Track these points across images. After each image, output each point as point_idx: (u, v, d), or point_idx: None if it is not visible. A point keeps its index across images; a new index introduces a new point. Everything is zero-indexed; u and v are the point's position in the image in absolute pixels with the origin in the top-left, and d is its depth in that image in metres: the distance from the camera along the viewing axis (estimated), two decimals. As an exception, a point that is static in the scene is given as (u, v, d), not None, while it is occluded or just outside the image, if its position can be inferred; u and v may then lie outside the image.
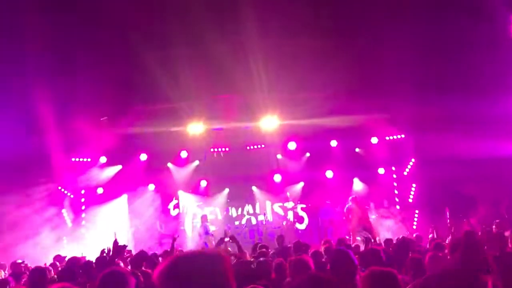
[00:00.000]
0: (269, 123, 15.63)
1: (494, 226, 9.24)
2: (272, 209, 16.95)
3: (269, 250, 9.04)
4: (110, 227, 14.54)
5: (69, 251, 11.90)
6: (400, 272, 5.20)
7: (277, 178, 16.79)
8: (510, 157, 12.80)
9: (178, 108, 14.74)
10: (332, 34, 12.39)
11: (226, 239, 9.02)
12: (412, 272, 5.16)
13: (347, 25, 12.61)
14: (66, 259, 9.33)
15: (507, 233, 7.99)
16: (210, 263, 1.94)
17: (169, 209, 16.83)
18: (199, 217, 15.75)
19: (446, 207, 13.21)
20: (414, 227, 14.64)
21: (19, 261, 8.91)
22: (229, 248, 9.78)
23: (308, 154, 16.59)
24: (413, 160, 15.58)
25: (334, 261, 4.44)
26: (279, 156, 16.85)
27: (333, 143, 16.22)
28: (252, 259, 7.84)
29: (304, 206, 16.81)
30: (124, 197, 16.35)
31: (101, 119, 14.85)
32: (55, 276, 6.91)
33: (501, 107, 12.36)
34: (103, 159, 16.20)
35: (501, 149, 12.68)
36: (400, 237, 8.34)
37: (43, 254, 11.79)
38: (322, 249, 8.46)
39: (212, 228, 15.40)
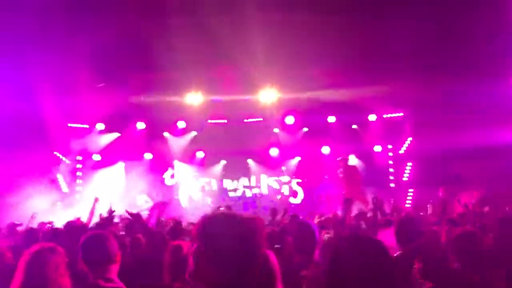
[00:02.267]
0: (268, 96, 15.55)
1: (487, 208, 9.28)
2: (267, 182, 17.04)
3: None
4: (105, 194, 14.63)
5: (62, 216, 11.95)
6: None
7: (274, 152, 16.83)
8: (508, 141, 12.80)
9: (176, 78, 14.63)
10: (335, 9, 12.23)
11: (221, 209, 9.08)
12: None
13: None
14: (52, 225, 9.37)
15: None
16: (244, 222, 2.01)
17: (164, 178, 16.89)
18: (196, 188, 15.91)
19: (440, 187, 13.28)
20: (408, 205, 14.71)
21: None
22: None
23: (305, 129, 16.57)
24: (410, 139, 15.57)
25: None
26: (276, 130, 16.83)
27: (331, 119, 16.18)
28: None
29: (299, 180, 16.89)
30: (120, 165, 16.41)
31: (98, 85, 14.75)
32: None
33: (502, 90, 12.29)
34: (100, 126, 16.19)
35: (500, 133, 12.66)
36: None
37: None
38: (316, 222, 8.54)
39: (208, 200, 15.53)
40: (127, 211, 7.27)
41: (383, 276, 1.98)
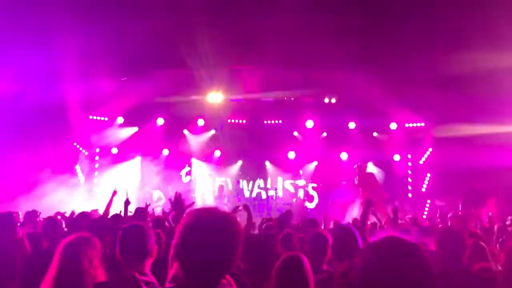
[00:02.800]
0: (288, 99, 15.51)
1: (508, 222, 9.09)
2: (283, 185, 16.97)
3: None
4: (122, 187, 14.66)
5: (79, 207, 12.00)
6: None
7: (291, 155, 16.76)
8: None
9: (198, 76, 14.64)
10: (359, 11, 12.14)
11: (240, 208, 9.00)
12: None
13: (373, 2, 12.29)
14: (67, 214, 9.43)
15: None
16: (224, 218, 2.10)
17: (181, 176, 16.91)
18: (211, 186, 15.92)
19: (459, 199, 13.09)
20: (424, 216, 14.52)
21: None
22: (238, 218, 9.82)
23: (325, 134, 16.47)
24: (430, 149, 15.38)
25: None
26: (295, 133, 16.77)
27: (351, 125, 16.06)
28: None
29: (315, 185, 16.80)
30: (137, 159, 16.46)
31: (122, 79, 14.82)
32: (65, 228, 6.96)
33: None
34: (120, 120, 16.27)
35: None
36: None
37: (52, 208, 11.90)
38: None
39: (224, 200, 15.51)
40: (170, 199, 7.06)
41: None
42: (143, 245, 3.20)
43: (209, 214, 2.08)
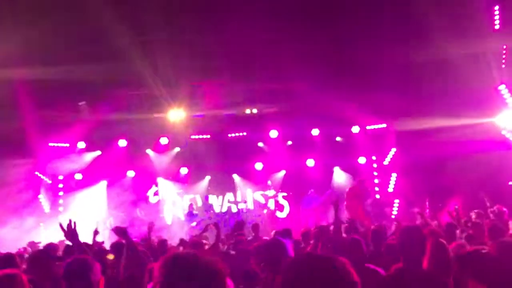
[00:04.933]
0: (251, 111, 15.54)
1: (473, 215, 9.25)
2: (253, 197, 16.91)
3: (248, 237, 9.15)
4: (88, 213, 14.38)
5: (46, 237, 11.68)
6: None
7: (259, 166, 16.74)
8: (491, 144, 12.91)
9: (158, 94, 14.51)
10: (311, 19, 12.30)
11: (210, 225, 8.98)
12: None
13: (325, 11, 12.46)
14: (41, 245, 9.16)
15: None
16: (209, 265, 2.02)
17: (148, 196, 16.66)
18: (179, 205, 15.77)
19: (425, 197, 13.33)
20: (393, 216, 14.69)
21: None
22: (207, 236, 9.78)
23: (290, 142, 16.53)
24: (394, 149, 15.61)
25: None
26: (260, 144, 16.77)
27: (315, 131, 16.17)
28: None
29: (285, 194, 16.81)
30: (103, 183, 16.15)
31: (79, 103, 14.57)
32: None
33: (484, 91, 12.34)
34: (81, 145, 15.96)
35: (484, 137, 12.72)
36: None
37: (20, 239, 11.56)
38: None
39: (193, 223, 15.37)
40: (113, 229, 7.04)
41: None
42: (88, 279, 3.19)
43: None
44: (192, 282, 1.94)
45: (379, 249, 6.31)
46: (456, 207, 9.11)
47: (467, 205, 10.81)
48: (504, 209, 9.10)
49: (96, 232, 7.75)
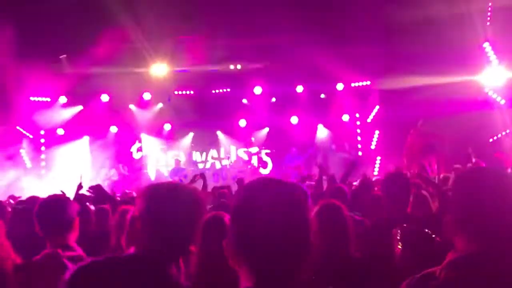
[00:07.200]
0: (235, 67, 15.39)
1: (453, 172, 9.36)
2: (237, 153, 16.97)
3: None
4: (71, 168, 14.33)
5: (27, 191, 11.63)
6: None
7: (242, 123, 16.73)
8: (474, 102, 13.01)
9: (141, 48, 14.25)
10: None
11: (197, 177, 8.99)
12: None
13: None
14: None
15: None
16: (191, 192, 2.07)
17: (131, 152, 16.61)
18: (164, 161, 15.83)
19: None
20: (375, 172, 14.91)
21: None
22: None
23: (274, 99, 16.49)
24: (377, 107, 15.66)
25: None
26: (244, 101, 16.71)
27: (299, 88, 16.11)
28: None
29: (268, 151, 16.89)
30: (85, 139, 16.03)
31: (60, 56, 14.26)
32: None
33: (468, 49, 12.33)
34: (63, 99, 15.72)
35: (467, 92, 12.77)
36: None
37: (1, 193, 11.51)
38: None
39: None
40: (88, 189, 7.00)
41: None
42: (61, 217, 3.07)
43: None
44: (174, 209, 1.96)
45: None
46: (430, 163, 9.16)
47: (450, 163, 10.93)
48: (483, 164, 9.22)
49: (80, 187, 7.67)
